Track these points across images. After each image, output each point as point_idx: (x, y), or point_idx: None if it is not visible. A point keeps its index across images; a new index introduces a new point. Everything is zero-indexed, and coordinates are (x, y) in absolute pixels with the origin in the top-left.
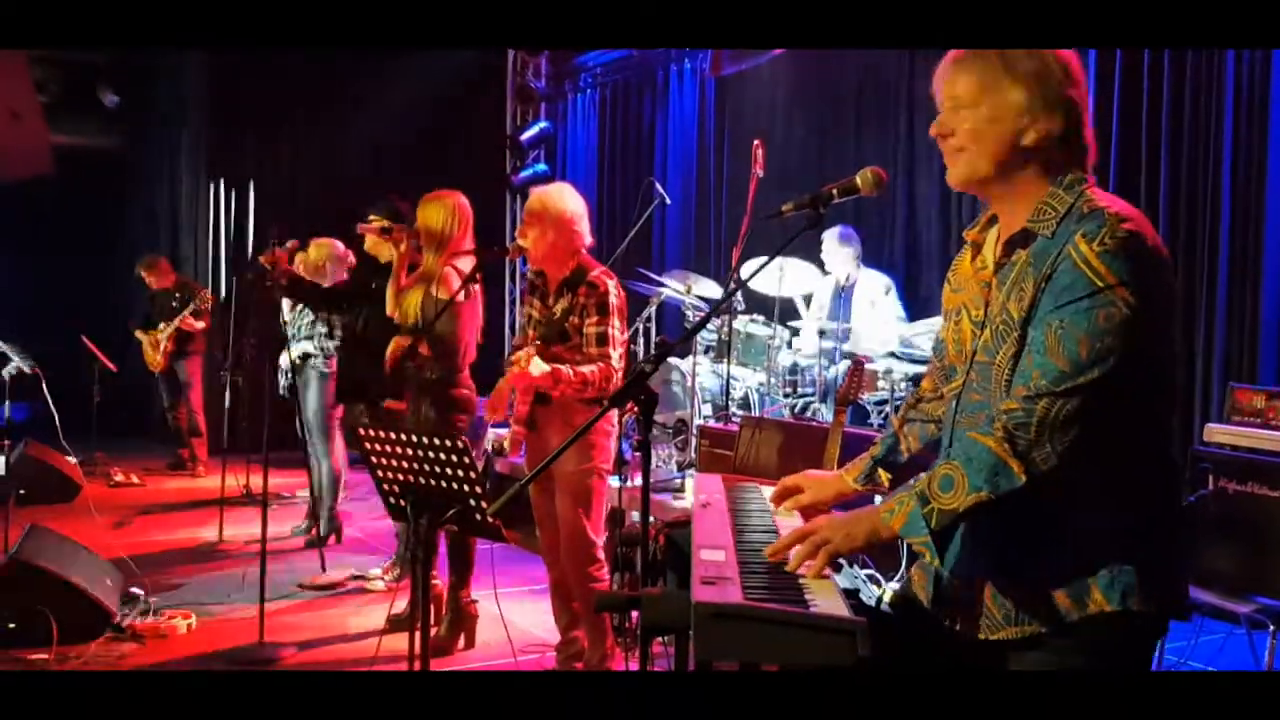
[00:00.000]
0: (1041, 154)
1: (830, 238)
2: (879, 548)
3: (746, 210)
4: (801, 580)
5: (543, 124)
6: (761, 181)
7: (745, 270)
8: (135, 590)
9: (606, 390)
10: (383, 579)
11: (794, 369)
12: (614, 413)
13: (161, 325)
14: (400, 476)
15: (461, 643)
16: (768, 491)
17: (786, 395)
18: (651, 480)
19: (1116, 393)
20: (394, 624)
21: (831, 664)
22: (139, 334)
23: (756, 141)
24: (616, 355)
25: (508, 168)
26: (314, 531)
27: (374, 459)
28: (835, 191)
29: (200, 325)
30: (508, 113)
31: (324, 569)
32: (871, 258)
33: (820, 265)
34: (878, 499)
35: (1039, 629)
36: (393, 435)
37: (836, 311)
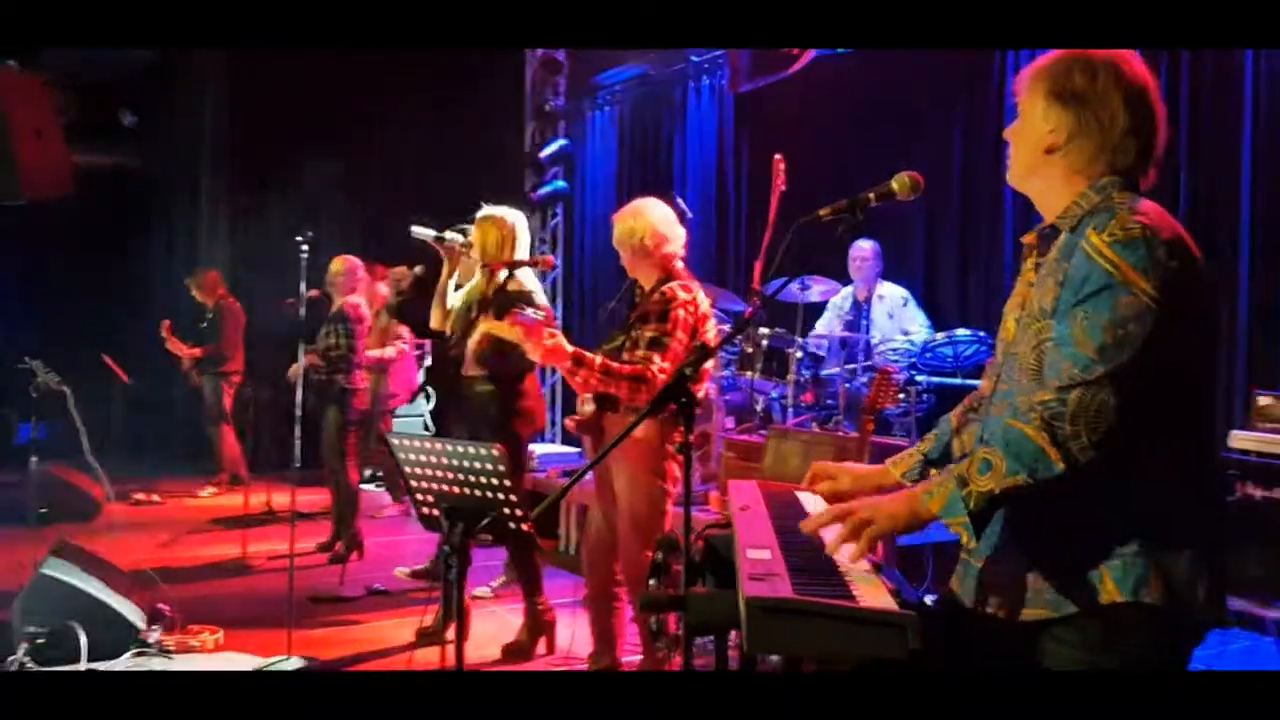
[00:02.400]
0: (1064, 159)
1: (857, 249)
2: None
3: (768, 224)
4: (848, 577)
5: (561, 141)
6: (783, 196)
7: (772, 282)
8: (161, 606)
9: (638, 390)
10: (406, 568)
11: (816, 379)
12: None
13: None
14: (434, 485)
15: (542, 648)
16: (805, 496)
17: (808, 407)
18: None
19: (1144, 381)
20: (422, 637)
21: (881, 657)
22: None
23: (778, 156)
24: (663, 362)
25: (527, 185)
26: (337, 548)
27: (407, 468)
28: (872, 196)
29: (195, 352)
30: (526, 130)
31: (342, 582)
32: (890, 271)
33: (840, 278)
34: None
35: (1056, 613)
36: (425, 444)
37: (856, 324)
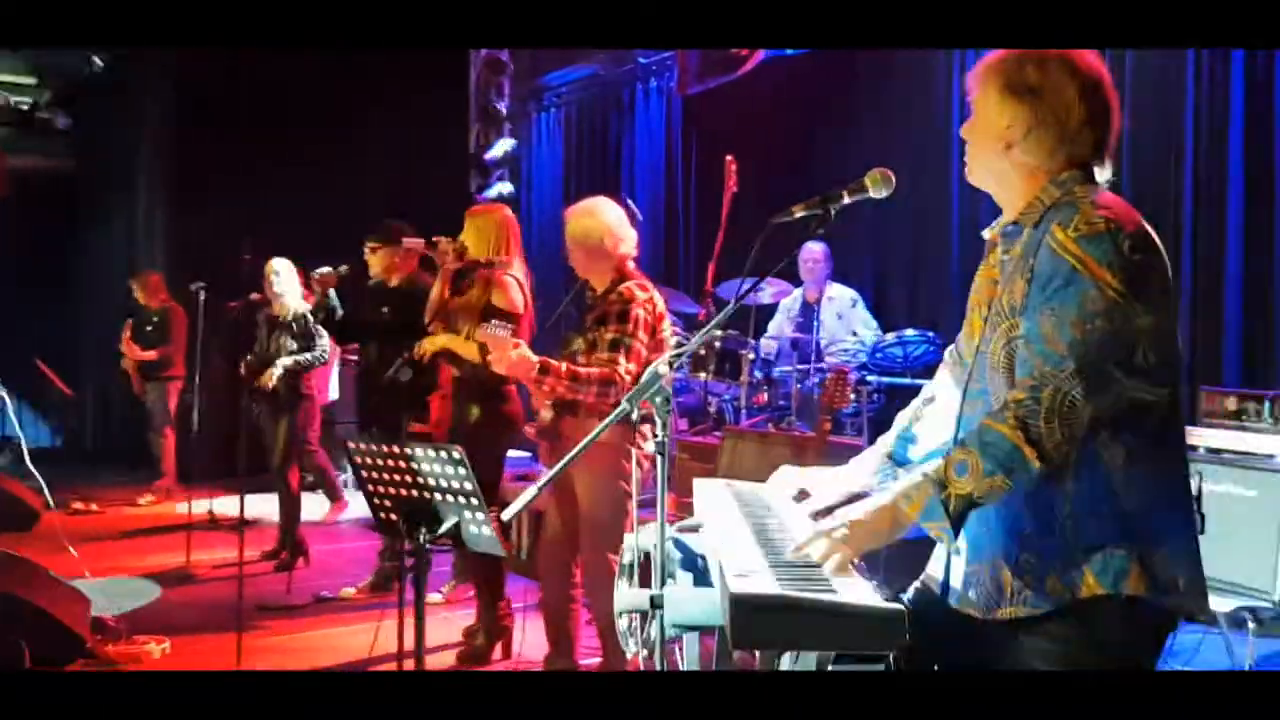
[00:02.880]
0: (1022, 153)
1: (807, 251)
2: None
3: (720, 225)
4: (828, 573)
5: (507, 143)
6: (734, 197)
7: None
8: (104, 616)
9: (606, 394)
10: (353, 588)
11: (768, 380)
12: (641, 440)
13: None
14: (393, 490)
15: (498, 653)
16: (771, 493)
17: (761, 409)
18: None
19: (1113, 375)
20: (469, 635)
21: (871, 650)
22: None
23: (729, 157)
24: (628, 363)
25: (472, 186)
26: (283, 555)
27: (365, 473)
28: (845, 193)
29: (149, 355)
30: (471, 133)
31: (289, 590)
32: (839, 273)
33: (792, 279)
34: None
35: (1036, 610)
36: (385, 448)
37: (806, 325)
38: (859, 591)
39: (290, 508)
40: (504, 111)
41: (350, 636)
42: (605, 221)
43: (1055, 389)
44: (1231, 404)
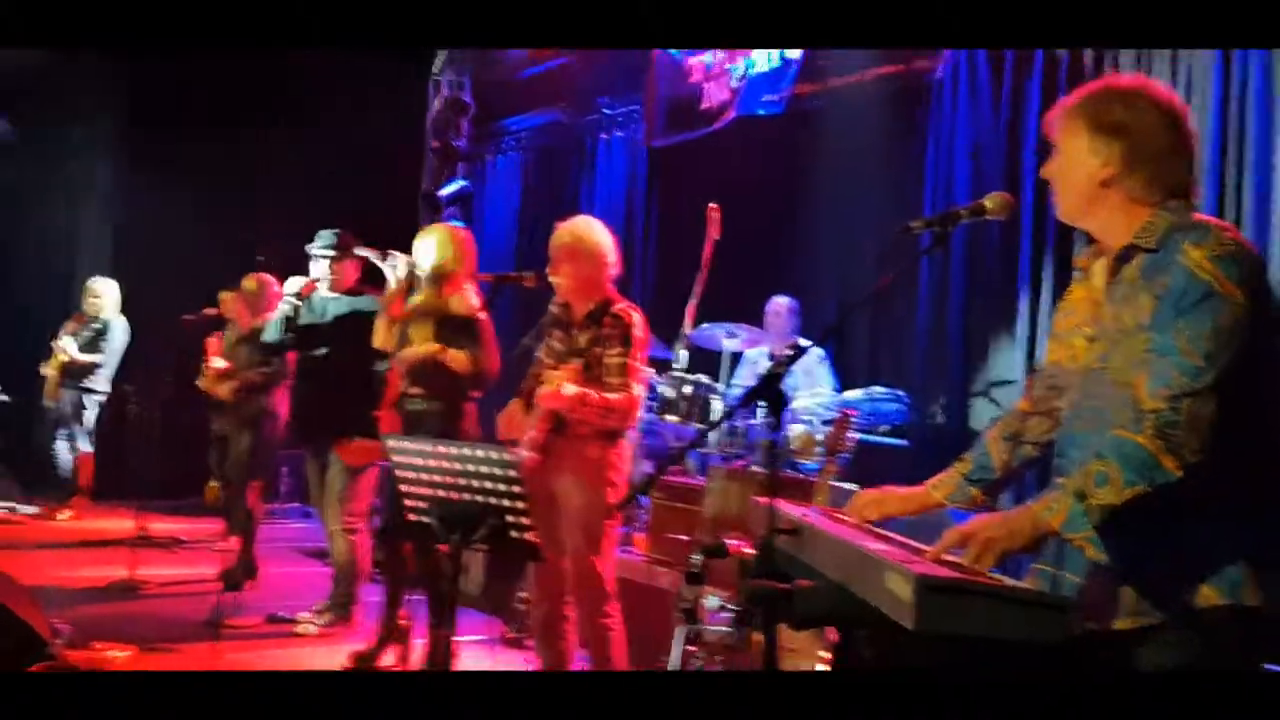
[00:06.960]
0: (1122, 188)
1: (774, 305)
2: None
3: (702, 270)
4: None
5: (461, 182)
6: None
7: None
8: (57, 623)
9: (629, 421)
10: (313, 623)
11: (733, 430)
12: (627, 450)
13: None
14: (429, 490)
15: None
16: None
17: (724, 456)
18: None
19: (1241, 388)
20: (360, 661)
21: (1038, 638)
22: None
23: (712, 205)
24: (639, 387)
25: (422, 223)
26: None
27: (401, 471)
28: (964, 212)
29: (87, 359)
30: (425, 169)
31: (236, 610)
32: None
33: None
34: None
35: (1152, 621)
36: (426, 447)
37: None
38: (1015, 583)
39: (249, 525)
40: (460, 150)
41: (309, 656)
42: (607, 239)
43: (1194, 400)
44: None
